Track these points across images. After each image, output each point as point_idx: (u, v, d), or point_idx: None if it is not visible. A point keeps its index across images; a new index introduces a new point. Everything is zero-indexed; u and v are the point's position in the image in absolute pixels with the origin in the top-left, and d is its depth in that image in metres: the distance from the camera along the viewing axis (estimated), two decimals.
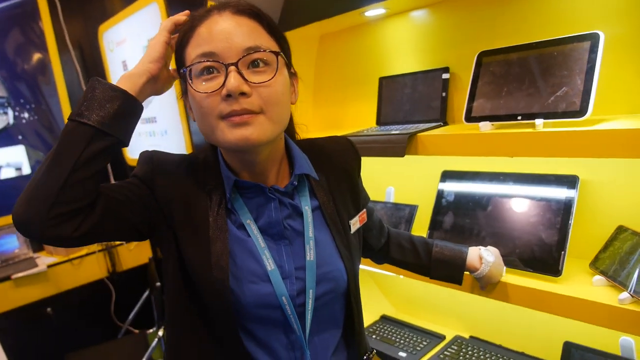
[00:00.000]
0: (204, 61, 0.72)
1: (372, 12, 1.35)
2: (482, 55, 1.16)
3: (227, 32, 0.72)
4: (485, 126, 1.08)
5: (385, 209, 1.47)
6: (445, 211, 1.30)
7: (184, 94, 0.80)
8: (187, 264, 0.79)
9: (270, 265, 0.78)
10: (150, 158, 0.81)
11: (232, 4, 0.75)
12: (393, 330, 1.54)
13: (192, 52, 0.73)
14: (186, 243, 0.79)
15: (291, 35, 1.56)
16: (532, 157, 1.07)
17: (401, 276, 1.37)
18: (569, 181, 1.10)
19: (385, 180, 1.59)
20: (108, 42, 2.70)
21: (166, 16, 2.09)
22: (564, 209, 1.09)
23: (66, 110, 2.89)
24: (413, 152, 1.21)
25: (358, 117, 1.63)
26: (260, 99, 0.72)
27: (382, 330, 1.55)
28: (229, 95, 0.70)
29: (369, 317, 1.65)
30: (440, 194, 1.33)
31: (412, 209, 1.40)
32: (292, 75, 0.84)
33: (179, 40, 0.77)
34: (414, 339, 1.48)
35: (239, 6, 0.75)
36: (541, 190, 1.14)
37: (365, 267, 1.46)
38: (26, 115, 2.79)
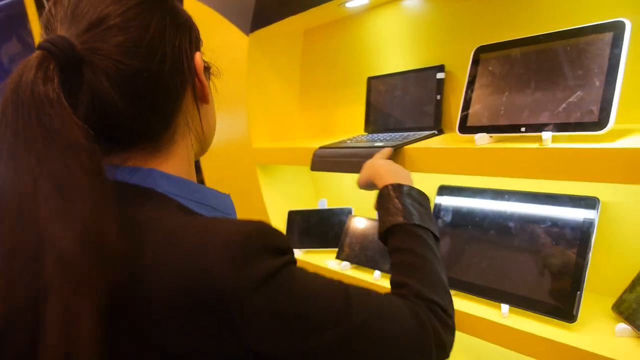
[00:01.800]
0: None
1: (354, 3, 1.16)
2: (480, 51, 0.97)
3: None
4: (482, 139, 0.89)
5: (375, 228, 1.28)
6: (441, 234, 1.12)
7: (201, 99, 0.63)
8: None
9: None
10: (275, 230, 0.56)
11: None
12: None
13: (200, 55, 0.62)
14: None
15: (269, 32, 1.39)
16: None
17: None
18: (588, 204, 0.90)
19: (373, 195, 1.40)
20: None
21: None
22: (581, 237, 0.89)
23: None
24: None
25: (347, 123, 1.45)
26: None
27: None
28: None
29: None
30: (436, 213, 1.14)
31: None
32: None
33: (197, 35, 0.63)
34: None
35: None
36: (554, 213, 0.94)
37: None
38: None
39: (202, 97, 0.62)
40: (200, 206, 0.58)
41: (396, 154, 1.01)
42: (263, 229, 0.52)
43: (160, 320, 0.47)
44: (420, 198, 0.79)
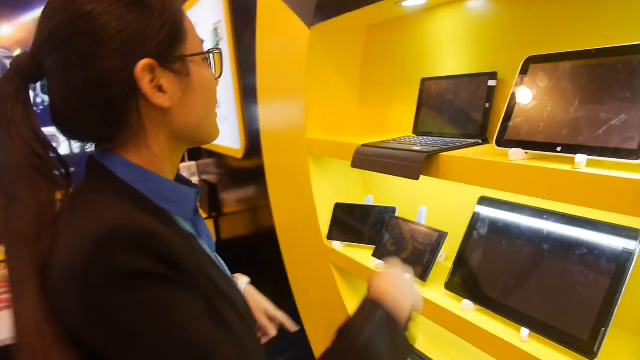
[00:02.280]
0: (218, 50, 0.73)
1: (409, 2, 1.14)
2: (530, 61, 0.92)
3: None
4: (516, 154, 0.85)
5: (413, 231, 1.27)
6: (475, 246, 1.08)
7: (183, 76, 0.66)
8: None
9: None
10: (153, 232, 0.57)
11: None
12: None
13: (196, 39, 0.69)
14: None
15: (331, 26, 1.41)
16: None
17: None
18: (629, 234, 0.83)
19: (422, 194, 1.39)
20: None
21: (228, 5, 2.04)
22: (617, 269, 0.82)
23: None
24: (433, 174, 1.01)
25: (400, 122, 1.44)
26: None
27: None
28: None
29: None
30: (472, 224, 1.11)
31: (440, 236, 1.19)
32: None
33: (178, 21, 0.65)
34: None
35: None
36: (592, 240, 0.88)
37: None
38: None
39: (155, 103, 0.63)
40: (159, 196, 0.65)
41: (430, 161, 1.00)
42: (148, 230, 0.54)
43: (55, 297, 0.55)
44: (394, 334, 0.71)
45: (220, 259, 0.78)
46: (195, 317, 0.55)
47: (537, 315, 0.90)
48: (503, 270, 1.00)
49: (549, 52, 0.89)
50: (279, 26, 1.60)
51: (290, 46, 1.55)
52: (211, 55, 0.71)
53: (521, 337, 0.90)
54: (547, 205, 0.97)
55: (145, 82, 0.62)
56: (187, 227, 0.69)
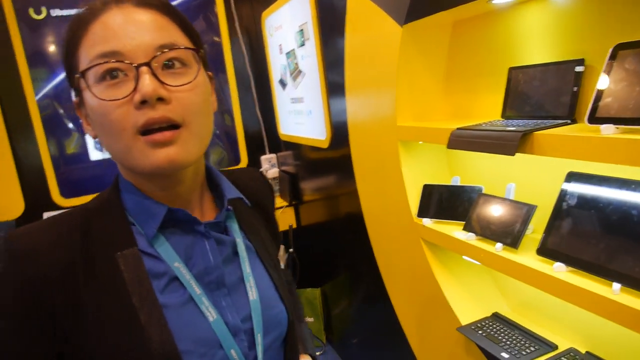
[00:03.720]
0: (106, 62, 0.59)
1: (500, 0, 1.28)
2: (618, 47, 1.04)
3: (133, 27, 0.60)
4: (607, 129, 0.98)
5: (503, 206, 1.41)
6: (564, 215, 1.21)
7: (79, 106, 0.67)
8: None
9: (212, 314, 0.66)
10: (20, 256, 0.61)
11: None
12: (502, 330, 1.50)
13: (88, 53, 0.61)
14: (103, 343, 0.61)
15: (421, 24, 1.56)
16: None
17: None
18: None
19: (508, 174, 1.52)
20: (269, 27, 2.97)
21: (315, 3, 2.24)
22: None
23: (232, 87, 3.29)
24: (528, 151, 1.15)
25: (486, 108, 1.57)
26: (181, 107, 0.61)
27: (490, 327, 1.52)
28: (143, 102, 0.59)
29: (480, 312, 1.62)
30: (562, 197, 1.23)
31: (530, 208, 1.33)
32: (210, 79, 0.73)
33: (67, 41, 0.64)
34: (522, 342, 1.42)
35: None
36: None
37: (473, 261, 1.44)
38: None
39: (88, 134, 0.67)
40: (132, 209, 0.70)
41: (525, 140, 1.13)
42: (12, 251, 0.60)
43: None
44: None
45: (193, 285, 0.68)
46: None
47: (627, 272, 1.02)
48: (593, 235, 1.13)
49: (635, 40, 1.01)
50: (368, 25, 1.77)
51: (380, 42, 1.71)
52: (83, 74, 0.61)
53: (613, 290, 1.02)
54: (633, 176, 1.09)
55: (79, 112, 0.68)
56: (154, 243, 0.67)
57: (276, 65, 2.96)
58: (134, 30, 0.60)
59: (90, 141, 3.03)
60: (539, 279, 1.19)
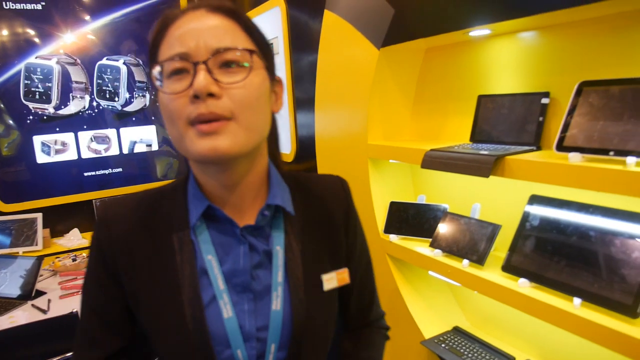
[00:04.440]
0: (174, 59, 0.66)
1: (477, 32, 1.38)
2: (583, 85, 1.15)
3: (200, 30, 0.66)
4: (575, 157, 1.08)
5: (469, 225, 1.49)
6: (527, 235, 1.31)
7: (156, 102, 0.76)
8: (155, 340, 0.73)
9: (228, 312, 0.71)
10: (102, 221, 0.75)
11: (208, 2, 0.70)
12: (463, 343, 1.57)
13: (164, 53, 0.68)
14: (152, 311, 0.72)
15: (397, 49, 1.64)
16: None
17: (475, 292, 1.40)
18: None
19: (473, 195, 1.61)
20: None
21: (287, 19, 2.27)
22: None
23: None
24: (499, 174, 1.23)
25: (454, 132, 1.67)
26: (231, 102, 0.65)
27: (452, 341, 1.59)
28: (196, 97, 0.63)
29: (442, 326, 1.69)
30: (525, 217, 1.33)
31: (495, 228, 1.42)
32: (275, 82, 0.76)
33: (152, 40, 0.71)
34: (482, 355, 1.50)
35: (215, 4, 0.70)
36: (631, 229, 1.10)
37: (440, 276, 1.51)
38: None
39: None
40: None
41: (498, 163, 1.22)
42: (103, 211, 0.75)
43: None
44: None
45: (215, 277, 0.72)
46: (90, 281, 0.76)
47: (586, 287, 1.12)
48: (554, 254, 1.22)
49: (597, 79, 1.12)
50: (344, 45, 1.83)
51: (355, 62, 1.78)
52: (159, 71, 0.67)
53: (574, 305, 1.12)
54: (590, 201, 1.20)
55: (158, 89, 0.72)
56: (196, 231, 0.74)
57: None
58: (200, 33, 0.66)
59: (37, 143, 2.87)
60: (505, 294, 1.27)
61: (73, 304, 2.13)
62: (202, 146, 0.64)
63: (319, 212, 0.82)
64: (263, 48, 0.73)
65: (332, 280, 0.79)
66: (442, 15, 1.39)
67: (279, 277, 0.73)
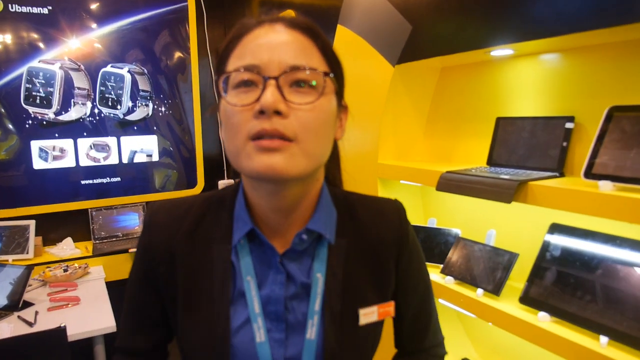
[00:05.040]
0: (242, 71, 0.63)
1: (499, 52, 1.33)
2: (614, 110, 1.09)
3: (275, 44, 0.64)
4: (605, 185, 1.02)
5: (483, 252, 1.42)
6: (548, 265, 1.24)
7: (217, 109, 0.71)
8: (186, 350, 0.74)
9: (261, 336, 0.69)
10: (147, 226, 0.76)
11: (287, 18, 0.68)
12: None
13: (234, 62, 0.65)
14: (186, 318, 0.73)
15: (412, 66, 1.59)
16: None
17: (490, 323, 1.32)
18: None
19: (487, 221, 1.54)
20: None
21: None
22: None
23: (197, 107, 3.19)
24: (522, 200, 1.17)
25: (468, 154, 1.61)
26: (297, 124, 0.61)
27: None
28: (261, 112, 0.61)
29: (450, 357, 1.60)
30: (545, 247, 1.26)
31: (512, 256, 1.35)
32: (342, 107, 0.74)
33: (223, 48, 0.69)
34: None
35: (294, 20, 0.67)
36: None
37: (451, 306, 1.43)
38: (162, 109, 3.13)
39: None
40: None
41: (520, 188, 1.16)
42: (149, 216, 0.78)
43: None
44: None
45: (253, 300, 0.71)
46: (132, 280, 0.79)
47: (612, 325, 1.05)
48: (577, 288, 1.15)
49: (625, 104, 1.07)
50: (356, 60, 1.78)
51: (369, 79, 1.73)
52: (225, 79, 0.65)
53: (601, 344, 1.04)
54: (614, 232, 1.13)
55: (218, 114, 0.70)
56: (237, 250, 0.72)
57: None
58: (276, 48, 0.64)
59: (35, 148, 2.80)
60: (523, 328, 1.20)
61: (61, 318, 2.03)
62: (258, 162, 0.61)
63: (367, 238, 0.77)
64: (336, 71, 0.70)
65: (371, 314, 0.75)
66: (462, 33, 1.35)
67: (316, 306, 0.70)
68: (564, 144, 1.25)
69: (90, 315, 2.06)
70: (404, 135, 1.74)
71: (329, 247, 0.73)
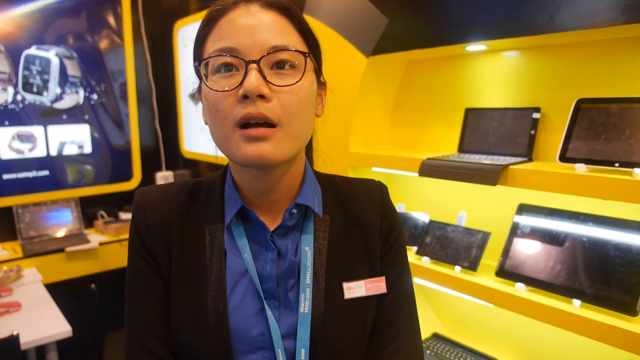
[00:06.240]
0: (222, 55, 0.63)
1: (473, 47, 1.44)
2: (581, 102, 1.24)
3: (252, 26, 0.64)
4: (581, 168, 1.16)
5: (457, 233, 1.54)
6: (519, 242, 1.38)
7: (198, 93, 0.73)
8: (176, 329, 0.71)
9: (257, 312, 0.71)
10: (140, 207, 0.76)
11: None
12: (446, 349, 1.61)
13: (212, 46, 0.66)
14: (178, 299, 0.72)
15: (380, 59, 1.66)
16: (619, 203, 1.14)
17: (455, 292, 1.44)
18: None
19: (456, 205, 1.66)
20: (183, 37, 2.83)
21: None
22: None
23: (132, 95, 3.02)
24: (502, 182, 1.29)
25: (437, 142, 1.72)
26: (280, 107, 0.63)
27: (435, 347, 1.62)
28: (245, 97, 0.62)
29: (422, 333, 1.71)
30: (515, 226, 1.40)
31: (485, 235, 1.48)
32: (321, 84, 0.75)
33: (199, 32, 0.69)
34: (467, 358, 1.54)
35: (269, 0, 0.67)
36: (621, 235, 1.21)
37: (429, 284, 1.54)
38: (95, 96, 2.92)
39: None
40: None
41: (503, 172, 1.27)
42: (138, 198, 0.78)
43: None
44: None
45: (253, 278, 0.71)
46: (132, 267, 0.76)
47: (584, 289, 1.20)
48: (548, 258, 1.30)
49: (591, 97, 1.23)
50: (325, 51, 1.82)
51: (338, 69, 1.77)
52: (205, 65, 0.66)
53: (574, 306, 1.19)
54: (579, 209, 1.30)
55: (200, 99, 0.72)
56: (232, 229, 0.73)
57: (188, 79, 2.82)
58: (254, 29, 0.64)
59: (3, 137, 2.49)
60: (502, 299, 1.33)
61: (6, 325, 1.84)
62: (247, 151, 0.63)
63: (352, 215, 0.78)
64: (315, 49, 0.72)
65: (357, 288, 0.74)
66: (437, 28, 1.44)
67: (307, 279, 0.71)
68: (532, 132, 1.39)
69: (39, 321, 1.89)
70: (372, 124, 1.81)
71: (315, 222, 0.75)
